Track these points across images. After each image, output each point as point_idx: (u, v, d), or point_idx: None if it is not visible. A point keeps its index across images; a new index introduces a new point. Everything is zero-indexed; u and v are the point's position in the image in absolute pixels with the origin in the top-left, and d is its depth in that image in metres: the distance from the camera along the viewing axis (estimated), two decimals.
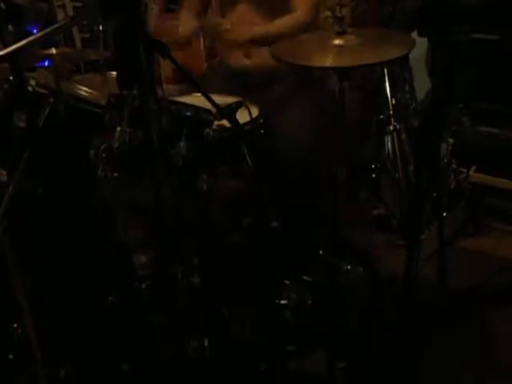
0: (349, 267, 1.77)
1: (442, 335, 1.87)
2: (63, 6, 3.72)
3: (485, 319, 1.97)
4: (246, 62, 2.12)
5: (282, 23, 2.03)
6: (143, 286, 1.67)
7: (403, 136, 2.27)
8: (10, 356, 1.61)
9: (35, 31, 1.25)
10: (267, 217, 1.67)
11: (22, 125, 1.60)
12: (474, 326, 1.95)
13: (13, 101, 1.66)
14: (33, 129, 1.48)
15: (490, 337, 1.90)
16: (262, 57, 1.74)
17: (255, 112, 1.70)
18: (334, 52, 1.50)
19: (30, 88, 1.72)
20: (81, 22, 1.84)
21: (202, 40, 3.29)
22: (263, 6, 2.08)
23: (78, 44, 3.69)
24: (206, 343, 1.57)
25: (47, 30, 1.25)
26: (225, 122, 1.55)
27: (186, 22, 2.15)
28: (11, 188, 1.35)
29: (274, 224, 1.69)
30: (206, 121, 1.56)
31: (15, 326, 1.61)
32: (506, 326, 1.92)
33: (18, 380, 1.59)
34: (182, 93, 1.91)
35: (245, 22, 2.09)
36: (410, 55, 2.41)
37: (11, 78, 1.66)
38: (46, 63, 1.79)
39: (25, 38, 1.23)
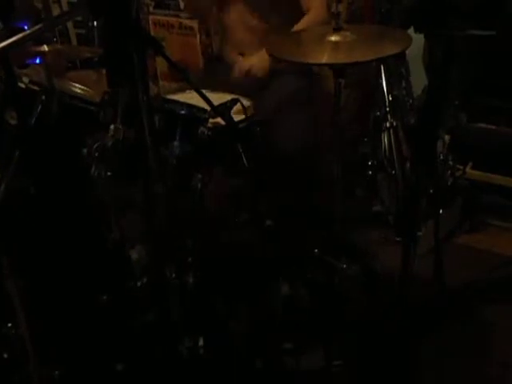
0: (345, 264, 1.76)
1: (438, 332, 1.87)
2: (58, 2, 3.70)
3: (483, 318, 1.96)
4: None
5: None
6: (137, 285, 1.66)
7: (400, 133, 2.26)
8: (5, 355, 1.61)
9: (26, 27, 1.23)
10: (262, 215, 1.66)
11: (13, 122, 1.58)
12: (472, 325, 1.94)
13: (3, 98, 1.64)
14: (24, 127, 1.47)
15: (488, 336, 1.90)
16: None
17: (250, 110, 1.69)
18: (330, 48, 1.48)
19: (23, 85, 1.70)
20: (73, 18, 1.82)
21: (198, 35, 3.27)
22: (259, 7, 2.09)
23: (74, 40, 3.67)
24: (201, 342, 1.56)
25: (38, 27, 1.22)
26: (220, 120, 1.53)
27: None
28: (2, 187, 1.34)
29: (269, 222, 1.68)
30: (201, 119, 1.54)
31: (9, 325, 1.60)
32: (504, 324, 1.92)
33: (12, 380, 1.58)
34: (177, 90, 1.89)
35: (241, 23, 2.12)
36: (407, 51, 2.40)
37: (1, 75, 1.64)
38: (38, 61, 1.76)
39: (15, 35, 1.21)
